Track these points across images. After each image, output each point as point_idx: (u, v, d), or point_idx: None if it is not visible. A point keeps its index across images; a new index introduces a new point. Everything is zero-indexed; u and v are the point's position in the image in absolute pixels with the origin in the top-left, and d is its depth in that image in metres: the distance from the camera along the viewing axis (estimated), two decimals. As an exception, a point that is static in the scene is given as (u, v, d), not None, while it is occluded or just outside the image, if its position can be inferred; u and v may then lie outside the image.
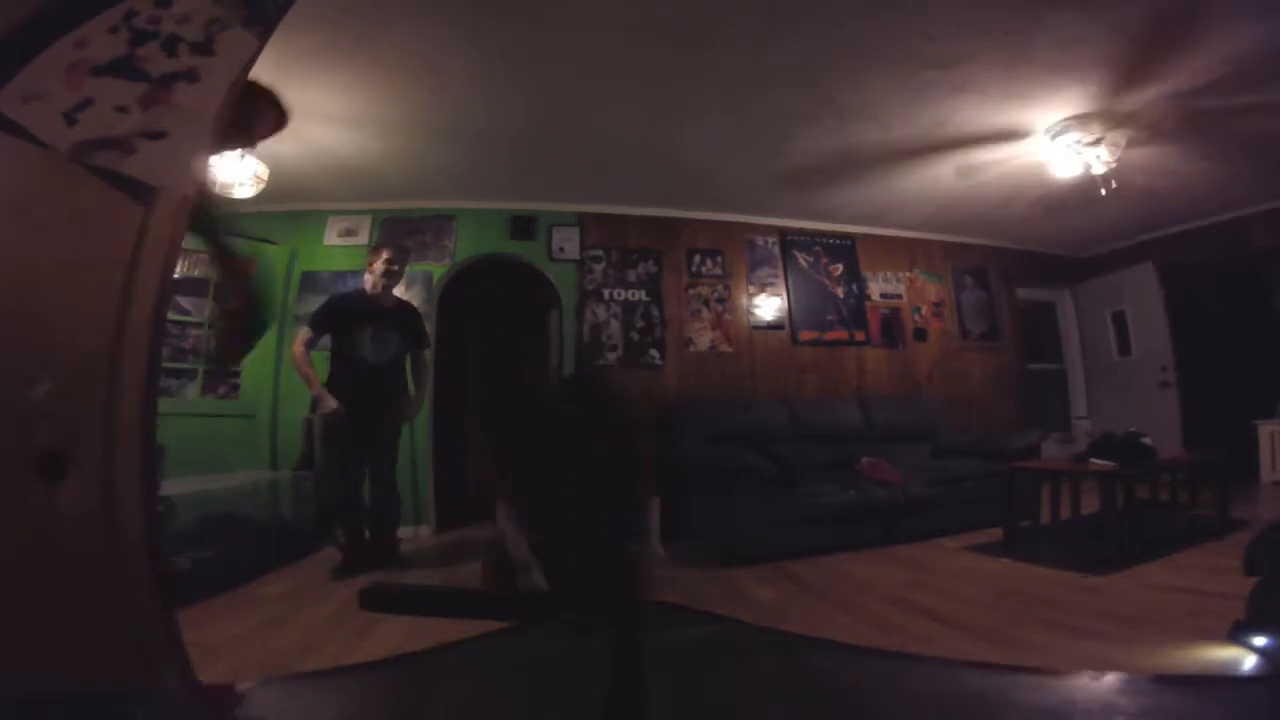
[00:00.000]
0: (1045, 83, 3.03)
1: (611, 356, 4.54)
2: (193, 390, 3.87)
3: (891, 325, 5.23)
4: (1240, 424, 4.46)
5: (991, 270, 5.65)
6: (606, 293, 4.63)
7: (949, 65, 2.89)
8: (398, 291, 3.44)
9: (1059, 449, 5.02)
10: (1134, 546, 2.92)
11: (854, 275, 5.20)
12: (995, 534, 3.44)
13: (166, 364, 3.56)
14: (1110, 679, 0.50)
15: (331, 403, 3.05)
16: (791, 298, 5.01)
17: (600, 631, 0.55)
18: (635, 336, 4.61)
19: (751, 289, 4.95)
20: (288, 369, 3.69)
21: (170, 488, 2.89)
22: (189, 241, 1.07)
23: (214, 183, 2.99)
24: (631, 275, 4.70)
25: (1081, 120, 3.36)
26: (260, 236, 3.72)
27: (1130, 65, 2.87)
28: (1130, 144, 3.50)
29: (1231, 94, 3.08)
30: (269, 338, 3.87)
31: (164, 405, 1.32)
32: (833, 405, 4.60)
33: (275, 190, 3.58)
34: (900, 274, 5.35)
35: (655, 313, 4.69)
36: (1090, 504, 3.12)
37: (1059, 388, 6.01)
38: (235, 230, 1.95)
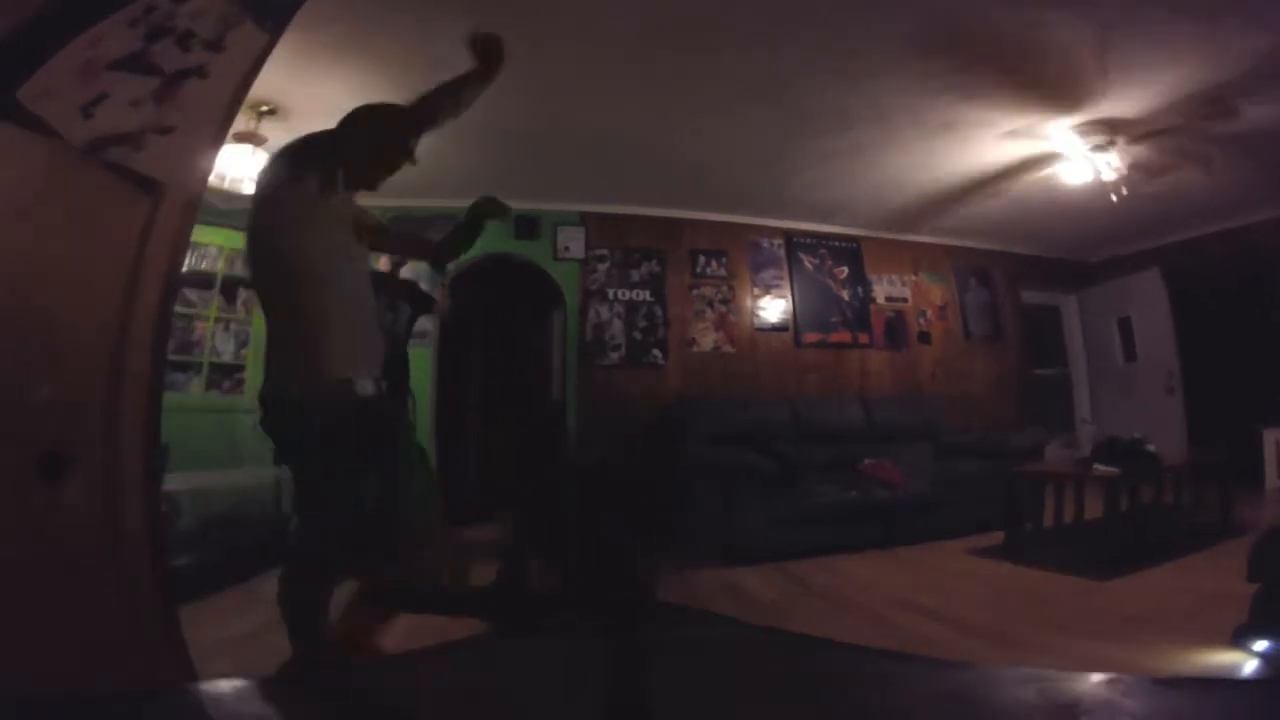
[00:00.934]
0: (1055, 87, 3.02)
1: (614, 356, 4.54)
2: (197, 386, 3.88)
3: (895, 328, 5.21)
4: (1246, 430, 4.44)
5: (996, 271, 5.63)
6: (610, 292, 4.63)
7: (957, 69, 2.88)
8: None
9: (1062, 452, 5.00)
10: (1137, 550, 2.90)
11: (859, 278, 5.20)
12: (997, 537, 3.42)
13: (173, 357, 3.56)
14: (1113, 680, 0.50)
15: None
16: (796, 299, 5.00)
17: (602, 632, 0.55)
18: (638, 336, 4.61)
19: (756, 290, 4.94)
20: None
21: (173, 483, 2.89)
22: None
23: (222, 177, 2.99)
24: (635, 275, 4.70)
25: (1093, 126, 3.34)
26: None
27: (1138, 70, 2.86)
28: (1140, 150, 3.48)
29: (1243, 99, 3.06)
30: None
31: (168, 400, 1.32)
32: (835, 405, 4.58)
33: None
34: (905, 277, 5.33)
35: (659, 313, 4.68)
36: (1094, 509, 3.11)
37: (1063, 392, 5.99)
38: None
